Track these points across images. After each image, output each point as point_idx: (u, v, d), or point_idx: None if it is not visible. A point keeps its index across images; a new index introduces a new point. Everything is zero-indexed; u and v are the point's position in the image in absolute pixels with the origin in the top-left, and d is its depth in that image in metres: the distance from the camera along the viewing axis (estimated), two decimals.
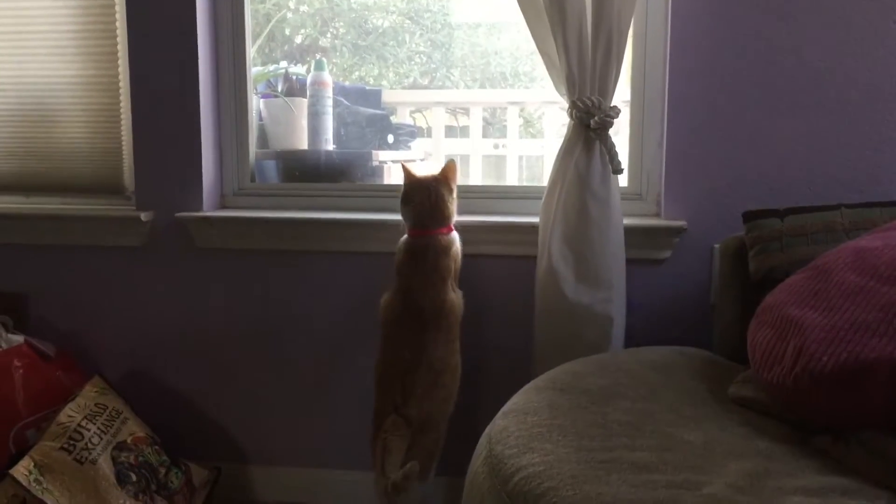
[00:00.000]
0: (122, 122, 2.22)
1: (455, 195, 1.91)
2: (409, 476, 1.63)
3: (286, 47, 2.66)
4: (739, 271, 1.71)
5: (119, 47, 2.19)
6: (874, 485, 1.08)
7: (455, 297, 1.86)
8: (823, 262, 1.41)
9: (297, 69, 2.55)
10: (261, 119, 2.41)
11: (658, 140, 2.01)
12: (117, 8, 2.17)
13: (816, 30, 1.88)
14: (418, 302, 1.82)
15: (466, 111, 2.76)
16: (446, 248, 1.85)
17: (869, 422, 1.16)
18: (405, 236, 1.90)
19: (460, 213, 1.95)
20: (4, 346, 2.07)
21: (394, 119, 2.58)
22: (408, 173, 1.90)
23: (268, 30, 2.54)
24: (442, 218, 1.86)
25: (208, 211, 2.18)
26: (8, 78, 2.28)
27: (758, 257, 1.64)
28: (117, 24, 2.18)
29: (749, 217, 1.68)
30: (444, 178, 1.88)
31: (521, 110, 2.73)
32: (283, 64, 2.58)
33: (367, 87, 2.56)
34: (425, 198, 1.86)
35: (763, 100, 1.92)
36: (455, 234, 1.90)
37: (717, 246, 1.89)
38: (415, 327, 1.81)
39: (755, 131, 1.93)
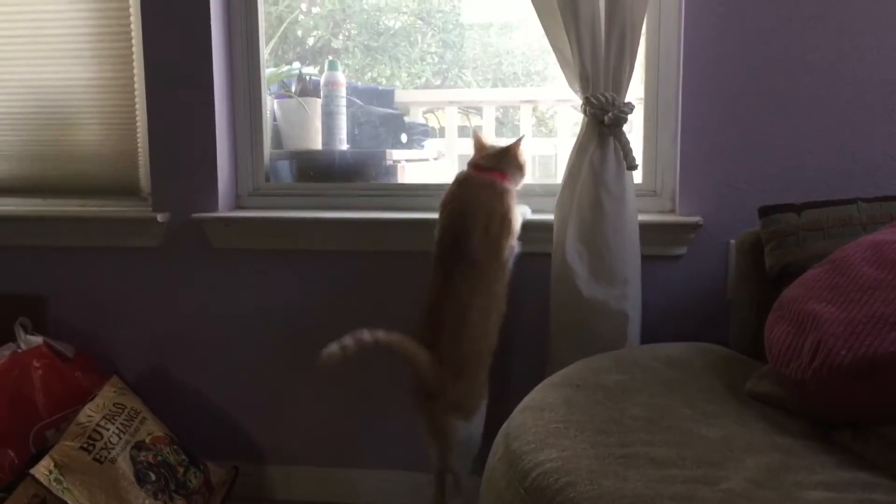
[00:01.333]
0: (138, 124, 2.24)
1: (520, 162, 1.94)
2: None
3: (298, 49, 2.68)
4: (756, 267, 1.70)
5: (134, 49, 2.20)
6: (894, 479, 1.08)
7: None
8: (841, 256, 1.40)
9: (310, 70, 2.56)
10: (275, 120, 2.42)
11: (672, 136, 2.01)
12: (132, 10, 2.19)
13: (831, 24, 1.87)
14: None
15: (479, 111, 2.76)
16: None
17: (889, 416, 1.16)
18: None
19: None
20: (24, 347, 2.09)
21: (407, 119, 2.59)
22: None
23: (280, 31, 2.55)
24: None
25: (224, 211, 2.19)
26: (24, 81, 2.30)
27: (774, 252, 1.63)
28: (132, 26, 2.19)
29: (765, 212, 1.67)
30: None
31: (534, 109, 2.72)
32: (296, 65, 2.59)
33: (380, 88, 2.57)
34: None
35: (778, 94, 1.91)
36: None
37: (733, 241, 1.88)
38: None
39: (770, 126, 1.92)
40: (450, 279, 1.81)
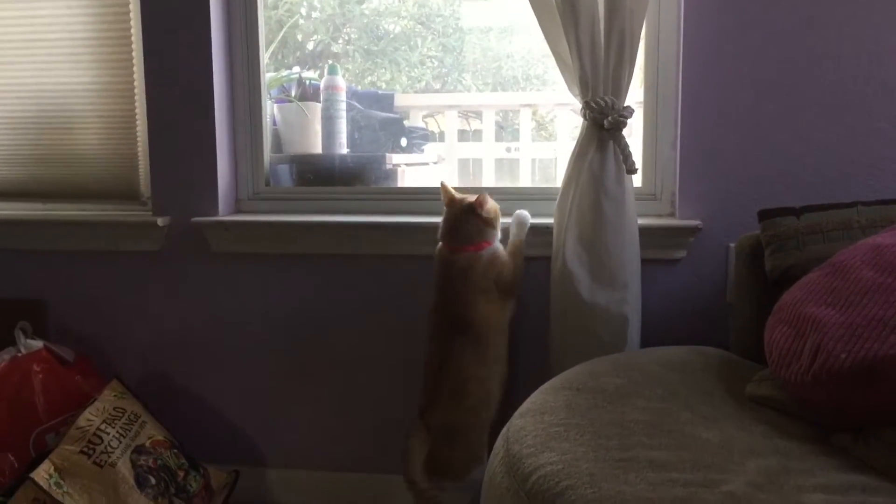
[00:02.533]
0: (138, 129, 2.24)
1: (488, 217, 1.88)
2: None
3: (298, 53, 2.68)
4: (755, 270, 1.70)
5: (134, 54, 2.21)
6: (895, 482, 1.08)
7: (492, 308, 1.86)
8: (840, 259, 1.41)
9: (310, 74, 2.57)
10: (275, 124, 2.42)
11: (672, 140, 2.01)
12: (132, 15, 2.19)
13: (832, 27, 1.88)
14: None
15: (479, 115, 2.76)
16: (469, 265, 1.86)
17: (889, 419, 1.16)
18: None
19: None
20: (24, 351, 2.09)
21: (406, 123, 2.59)
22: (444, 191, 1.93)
23: (280, 36, 2.55)
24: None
25: (224, 215, 2.19)
26: (24, 85, 2.30)
27: (774, 256, 1.63)
28: (132, 31, 2.20)
29: (765, 215, 1.67)
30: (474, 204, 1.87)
31: (534, 113, 2.73)
32: (296, 69, 2.59)
33: (380, 92, 2.57)
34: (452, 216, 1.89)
35: (777, 98, 1.92)
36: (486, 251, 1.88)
37: (732, 245, 1.88)
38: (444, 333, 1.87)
39: (770, 129, 1.93)
40: (449, 350, 1.84)
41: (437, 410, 1.83)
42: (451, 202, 1.90)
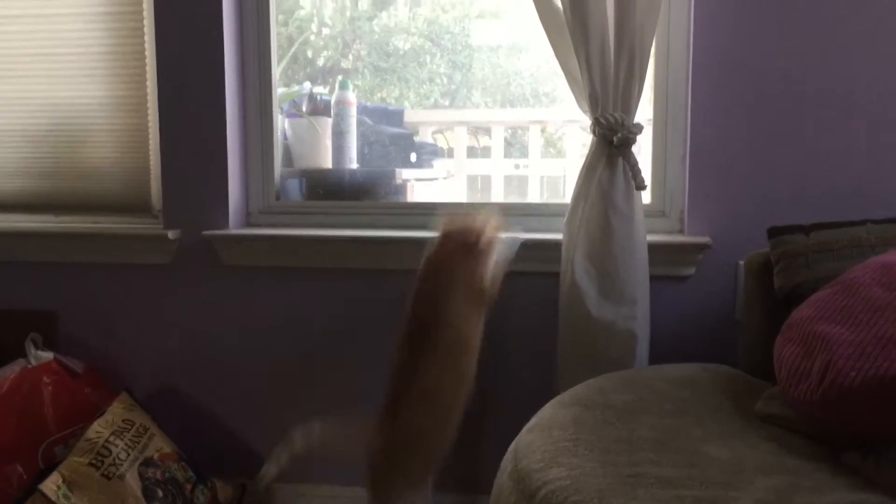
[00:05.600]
0: (151, 142, 2.26)
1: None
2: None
3: (309, 69, 2.70)
4: (765, 287, 1.70)
5: (147, 69, 2.23)
6: None
7: None
8: (850, 277, 1.40)
9: (320, 90, 2.58)
10: (286, 138, 2.44)
11: (681, 156, 2.02)
12: (146, 30, 2.21)
13: (842, 43, 1.88)
14: None
15: (488, 132, 2.78)
16: None
17: None
18: None
19: None
20: (34, 363, 2.10)
21: (416, 139, 2.61)
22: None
23: (291, 52, 2.57)
24: None
25: (234, 229, 2.20)
26: (39, 99, 2.32)
27: (783, 273, 1.63)
28: (146, 45, 2.22)
29: (774, 233, 1.67)
30: None
31: (543, 130, 2.74)
32: (307, 85, 2.61)
33: (390, 107, 2.59)
34: None
35: (787, 114, 1.92)
36: None
37: (741, 262, 1.88)
38: None
39: (779, 147, 1.93)
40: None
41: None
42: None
